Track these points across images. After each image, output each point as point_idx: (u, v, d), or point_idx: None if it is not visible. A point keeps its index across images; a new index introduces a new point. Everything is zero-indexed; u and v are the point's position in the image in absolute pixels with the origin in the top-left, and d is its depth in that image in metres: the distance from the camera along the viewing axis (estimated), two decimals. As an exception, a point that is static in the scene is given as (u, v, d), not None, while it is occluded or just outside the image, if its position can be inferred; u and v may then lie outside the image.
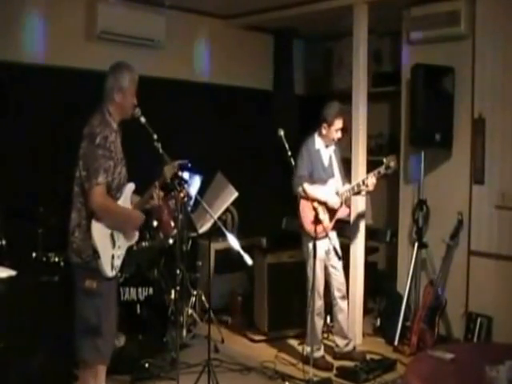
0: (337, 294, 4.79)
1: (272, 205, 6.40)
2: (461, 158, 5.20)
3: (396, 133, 5.97)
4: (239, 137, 6.41)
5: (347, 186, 4.78)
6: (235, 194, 4.48)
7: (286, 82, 6.84)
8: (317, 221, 4.16)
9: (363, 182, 4.64)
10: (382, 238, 6.22)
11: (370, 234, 5.76)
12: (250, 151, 6.50)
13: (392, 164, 4.57)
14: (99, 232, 3.23)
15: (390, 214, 6.30)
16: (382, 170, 4.59)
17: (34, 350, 3.85)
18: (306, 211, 4.55)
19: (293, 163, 4.04)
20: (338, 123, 4.65)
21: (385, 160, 4.60)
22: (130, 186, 3.46)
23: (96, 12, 5.19)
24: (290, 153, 4.00)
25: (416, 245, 5.31)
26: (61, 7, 5.13)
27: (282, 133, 4.04)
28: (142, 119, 3.37)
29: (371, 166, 5.30)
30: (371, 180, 4.59)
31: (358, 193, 4.76)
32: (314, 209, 4.19)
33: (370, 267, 5.66)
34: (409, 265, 5.32)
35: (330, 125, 4.64)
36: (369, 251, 5.73)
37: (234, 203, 4.60)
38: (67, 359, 3.68)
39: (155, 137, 3.35)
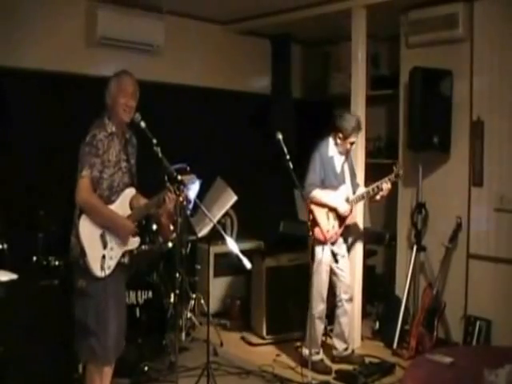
0: (343, 296, 4.79)
1: (271, 208, 6.40)
2: (459, 160, 5.20)
3: (394, 136, 5.98)
4: (237, 141, 6.42)
5: (362, 190, 4.79)
6: (234, 198, 4.48)
7: (284, 86, 6.84)
8: (314, 224, 4.16)
9: (378, 187, 4.65)
10: (380, 242, 6.22)
11: (369, 237, 5.76)
12: (248, 155, 6.50)
13: (401, 172, 4.67)
14: (87, 230, 3.27)
15: (388, 218, 6.30)
16: (391, 177, 4.65)
17: (35, 354, 3.85)
18: (318, 216, 4.58)
19: (291, 167, 4.03)
20: (354, 137, 4.67)
21: (395, 168, 4.67)
22: (129, 191, 3.47)
23: (96, 18, 5.21)
24: (288, 156, 3.99)
25: (415, 248, 5.32)
26: (61, 13, 5.14)
27: (280, 136, 4.03)
28: (142, 124, 3.38)
29: (370, 168, 5.33)
30: (386, 185, 4.62)
31: (373, 197, 4.77)
32: (311, 211, 4.22)
33: (368, 270, 5.66)
34: (407, 268, 5.33)
35: (345, 138, 4.64)
36: (367, 254, 5.72)
37: (233, 207, 4.60)
38: (68, 362, 3.68)
39: (155, 141, 3.35)
